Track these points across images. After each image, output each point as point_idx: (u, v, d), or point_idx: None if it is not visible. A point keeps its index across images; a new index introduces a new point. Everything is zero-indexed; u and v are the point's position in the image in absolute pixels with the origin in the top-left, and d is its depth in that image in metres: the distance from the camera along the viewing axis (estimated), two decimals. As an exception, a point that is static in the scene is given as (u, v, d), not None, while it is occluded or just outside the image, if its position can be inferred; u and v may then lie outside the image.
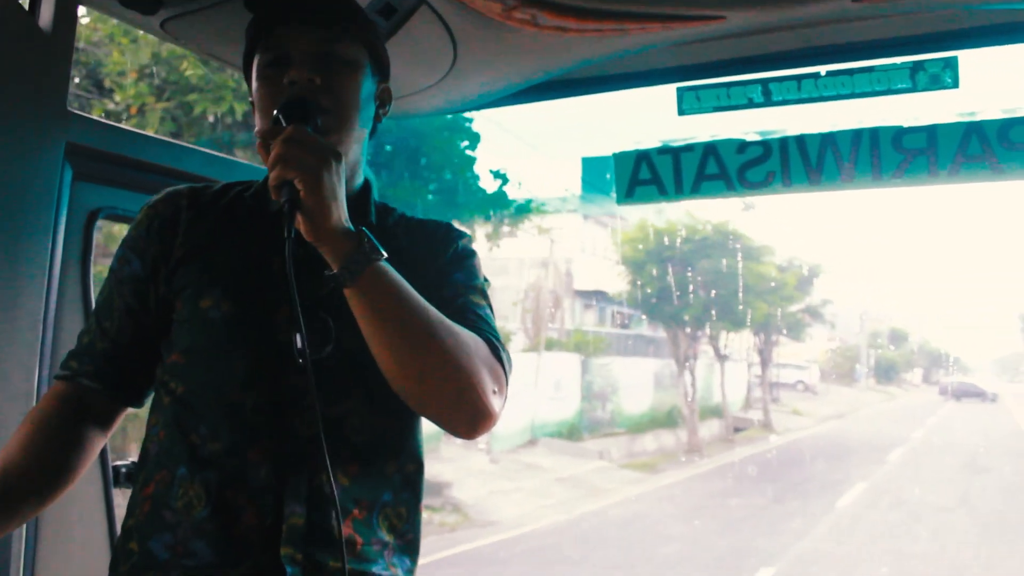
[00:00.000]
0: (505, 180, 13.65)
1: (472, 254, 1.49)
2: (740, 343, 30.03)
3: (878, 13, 1.69)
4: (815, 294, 29.64)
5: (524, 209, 15.05)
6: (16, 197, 1.72)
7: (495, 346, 1.34)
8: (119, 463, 1.97)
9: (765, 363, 29.34)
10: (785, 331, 29.19)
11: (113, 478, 1.93)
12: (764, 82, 1.88)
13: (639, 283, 23.68)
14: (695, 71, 1.92)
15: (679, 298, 23.31)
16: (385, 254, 1.24)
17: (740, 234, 24.42)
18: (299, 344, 1.24)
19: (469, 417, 1.29)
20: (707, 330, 24.76)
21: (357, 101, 1.39)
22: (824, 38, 1.82)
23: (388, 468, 1.37)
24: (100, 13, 1.90)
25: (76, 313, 1.88)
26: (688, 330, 24.08)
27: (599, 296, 28.77)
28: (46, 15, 1.80)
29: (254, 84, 1.40)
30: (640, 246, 23.56)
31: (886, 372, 50.35)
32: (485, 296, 1.44)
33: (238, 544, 1.28)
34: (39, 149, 1.76)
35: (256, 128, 1.38)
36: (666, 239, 23.36)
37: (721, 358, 25.62)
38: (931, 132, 1.79)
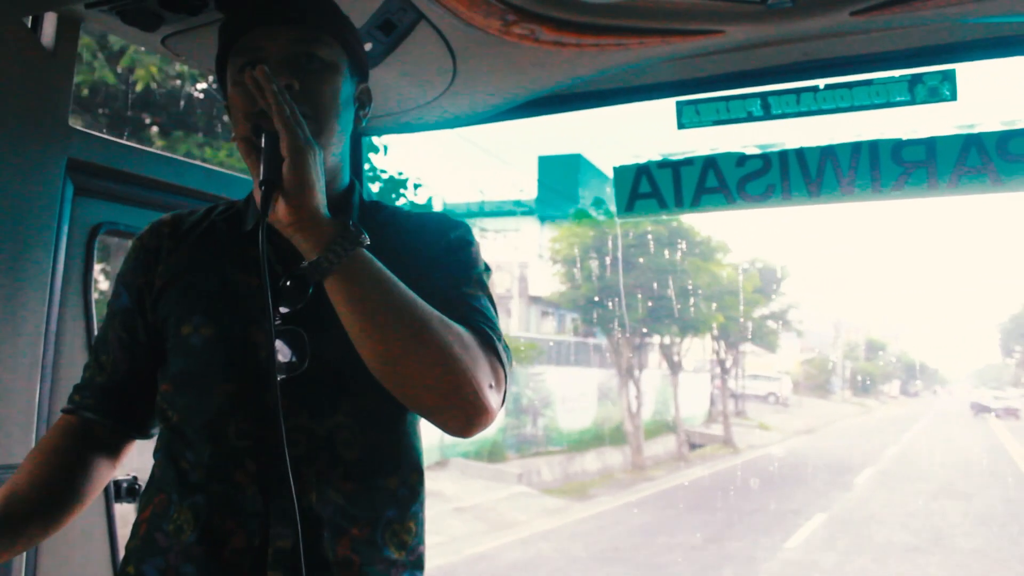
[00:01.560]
0: (402, 184, 11.61)
1: (468, 243, 1.42)
2: (702, 352, 28.34)
3: (876, 27, 1.70)
4: (781, 299, 28.30)
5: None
6: (18, 213, 1.73)
7: (491, 338, 1.28)
8: (120, 478, 1.97)
9: (726, 373, 27.41)
10: (749, 338, 27.64)
11: (115, 492, 1.93)
12: (763, 95, 1.89)
13: (575, 284, 21.31)
14: (694, 85, 1.93)
15: (620, 301, 20.73)
16: (368, 241, 1.19)
17: (691, 230, 21.72)
18: (286, 365, 1.25)
19: (465, 414, 1.22)
20: (658, 337, 22.78)
21: (336, 104, 1.34)
22: (823, 52, 1.82)
23: (390, 482, 1.33)
24: (102, 30, 1.91)
25: (78, 328, 1.88)
26: (632, 336, 21.59)
27: (549, 302, 26.33)
28: (48, 32, 1.81)
29: (229, 88, 1.35)
30: (574, 242, 20.89)
31: (863, 384, 49.60)
32: (483, 286, 1.38)
33: (226, 568, 1.26)
34: (41, 165, 1.77)
35: (232, 134, 1.33)
36: (605, 233, 20.56)
37: (674, 367, 23.39)
38: (930, 144, 1.80)
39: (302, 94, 1.28)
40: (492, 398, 1.24)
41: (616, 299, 20.79)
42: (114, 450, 1.46)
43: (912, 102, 1.79)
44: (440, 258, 1.38)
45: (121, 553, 1.91)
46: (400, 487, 1.35)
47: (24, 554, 1.72)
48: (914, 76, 1.78)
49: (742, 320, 24.58)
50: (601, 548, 12.74)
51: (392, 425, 1.34)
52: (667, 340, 23.12)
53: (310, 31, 1.33)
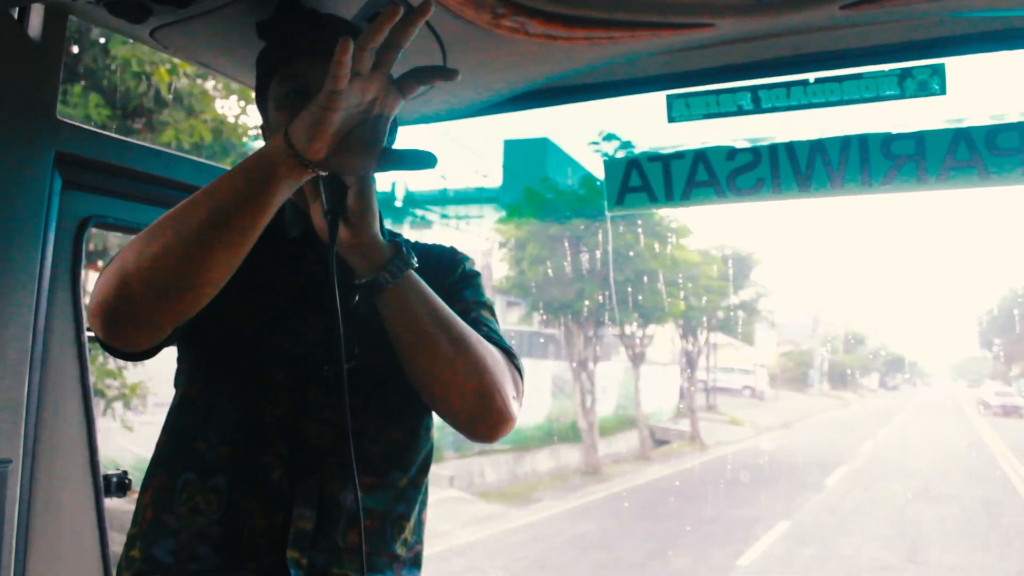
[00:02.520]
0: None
1: (477, 274, 1.56)
2: (669, 343, 27.18)
3: (866, 21, 1.70)
4: (750, 288, 26.98)
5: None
6: (5, 206, 1.72)
7: (512, 354, 1.41)
8: (110, 472, 1.97)
9: (692, 365, 25.96)
10: (716, 328, 26.46)
11: (104, 487, 1.93)
12: (754, 89, 1.89)
13: (521, 269, 19.94)
14: (685, 78, 1.93)
15: (570, 285, 19.26)
16: (417, 263, 1.30)
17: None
18: (329, 362, 1.32)
19: (493, 420, 1.33)
20: (615, 326, 21.09)
21: None
22: (813, 45, 1.82)
23: (400, 480, 1.40)
24: (88, 22, 1.90)
25: (67, 321, 1.87)
26: (584, 326, 19.98)
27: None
28: (35, 24, 1.80)
29: (272, 114, 1.42)
30: (521, 224, 19.78)
31: (841, 377, 49.21)
32: (492, 312, 1.51)
33: (244, 547, 1.30)
34: (28, 158, 1.76)
35: None
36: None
37: (635, 359, 21.78)
38: (919, 139, 1.80)
39: None
40: (515, 407, 1.36)
41: (567, 286, 19.49)
42: None
43: (902, 96, 1.79)
44: (457, 285, 1.51)
45: (112, 547, 1.92)
46: (409, 486, 1.42)
47: (13, 549, 1.72)
48: (904, 70, 1.78)
49: (708, 309, 23.86)
50: (524, 566, 11.26)
51: (412, 425, 1.43)
52: (627, 330, 21.51)
53: None
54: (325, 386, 1.35)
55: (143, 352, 1.33)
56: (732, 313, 26.78)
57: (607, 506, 15.39)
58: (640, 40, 1.72)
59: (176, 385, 1.45)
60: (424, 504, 1.47)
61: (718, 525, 13.66)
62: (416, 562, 1.45)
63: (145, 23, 1.72)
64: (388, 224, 1.51)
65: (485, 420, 1.33)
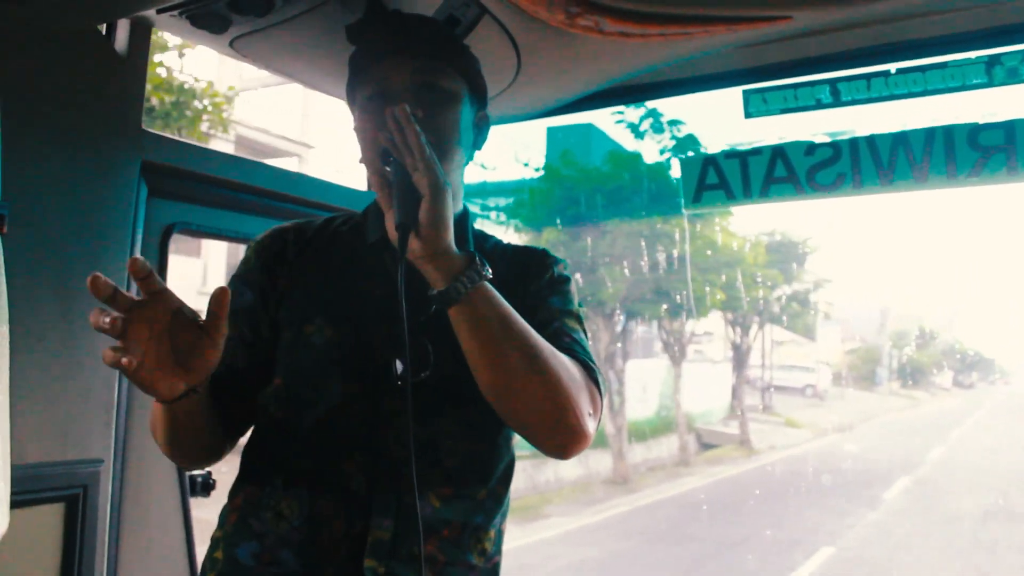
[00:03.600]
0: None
1: (567, 280, 1.50)
2: (723, 339, 24.75)
3: (951, 7, 1.65)
4: (805, 278, 24.47)
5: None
6: (96, 214, 1.78)
7: (591, 369, 1.36)
8: (196, 473, 2.02)
9: (742, 363, 23.63)
10: (768, 321, 24.30)
11: (190, 487, 1.98)
12: (832, 82, 1.85)
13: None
14: (761, 73, 1.90)
15: (588, 270, 17.33)
16: (491, 274, 1.26)
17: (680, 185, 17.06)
18: (399, 368, 1.31)
19: (566, 437, 1.29)
20: (646, 318, 19.22)
21: (457, 132, 1.41)
22: (894, 35, 1.77)
23: (479, 491, 1.39)
24: (172, 34, 1.96)
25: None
26: (611, 318, 17.84)
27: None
28: (122, 38, 1.86)
29: (357, 115, 1.43)
30: (539, 203, 16.96)
31: (912, 375, 45.44)
32: (580, 321, 1.46)
33: (324, 553, 1.31)
34: (116, 168, 1.82)
35: (360, 157, 1.41)
36: (575, 192, 16.27)
37: (675, 356, 20.12)
38: (1009, 128, 1.74)
39: (426, 122, 1.33)
40: (590, 425, 1.31)
41: (588, 272, 17.43)
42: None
43: (990, 84, 1.73)
44: (543, 291, 1.46)
45: (198, 548, 1.97)
46: (488, 497, 1.40)
47: (105, 545, 1.77)
48: (991, 57, 1.72)
49: (754, 301, 21.25)
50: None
51: (490, 438, 1.41)
52: (666, 323, 19.62)
53: (433, 62, 1.41)
54: (401, 395, 1.33)
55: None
56: (785, 305, 24.65)
57: (624, 524, 13.09)
58: (715, 35, 1.69)
59: (260, 404, 1.44)
60: (504, 515, 1.45)
61: (748, 550, 11.31)
62: (494, 572, 1.43)
63: (225, 33, 1.77)
64: (480, 224, 1.52)
65: (558, 436, 1.30)
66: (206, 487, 2.02)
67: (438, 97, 1.39)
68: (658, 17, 1.65)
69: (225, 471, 1.72)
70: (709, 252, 18.68)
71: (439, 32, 1.47)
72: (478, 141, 1.52)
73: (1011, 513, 14.06)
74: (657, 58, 1.80)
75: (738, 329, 22.96)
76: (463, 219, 1.50)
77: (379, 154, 1.27)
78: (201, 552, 1.82)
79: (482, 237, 1.54)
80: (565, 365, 1.29)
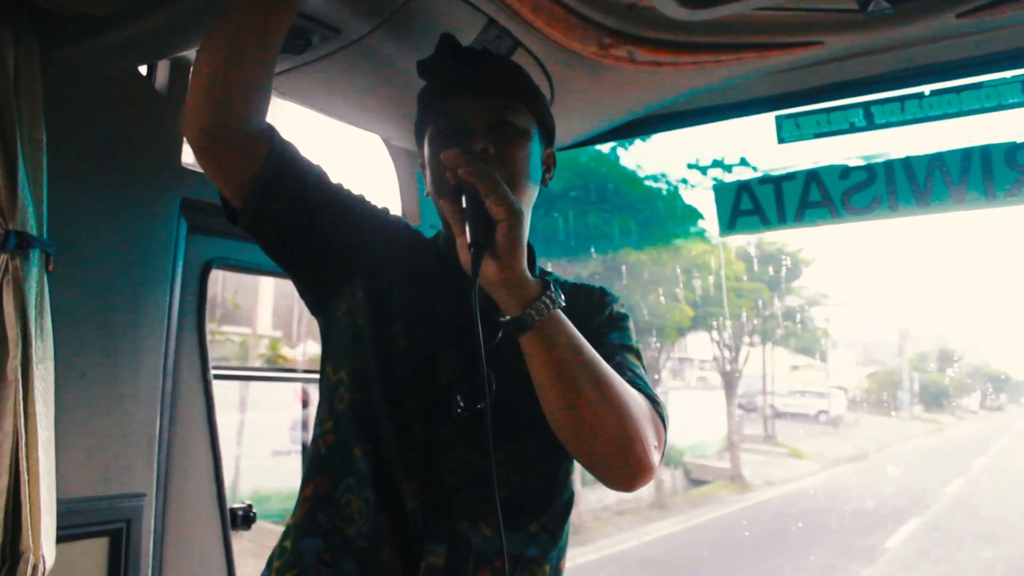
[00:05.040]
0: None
1: (626, 317, 1.52)
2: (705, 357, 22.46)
3: (984, 28, 1.64)
4: (803, 293, 22.60)
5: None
6: (136, 251, 1.81)
7: (656, 402, 1.36)
8: (236, 506, 2.02)
9: (731, 388, 21.61)
10: (761, 343, 22.18)
11: (232, 520, 1.98)
12: (866, 105, 1.85)
13: None
14: (794, 98, 1.90)
15: None
16: (564, 302, 1.25)
17: (633, 181, 15.59)
18: (460, 400, 1.31)
19: (632, 470, 1.28)
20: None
21: (527, 168, 1.42)
22: (927, 57, 1.77)
23: (530, 524, 1.38)
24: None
25: (194, 359, 1.94)
26: None
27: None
28: (162, 78, 1.90)
29: (427, 150, 1.45)
30: None
31: (935, 398, 42.81)
32: (639, 357, 1.46)
33: (382, 568, 1.31)
34: (157, 204, 1.85)
35: (427, 190, 1.45)
36: None
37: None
38: (1048, 147, 1.72)
39: (498, 159, 1.38)
40: (655, 457, 1.30)
41: None
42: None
43: (1026, 104, 1.72)
44: (603, 327, 1.47)
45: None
46: (541, 531, 1.39)
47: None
48: (1027, 77, 1.72)
49: (740, 318, 19.59)
50: None
51: (545, 472, 1.40)
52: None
53: (504, 99, 1.43)
54: (458, 423, 1.34)
55: (250, 207, 1.39)
56: (778, 324, 22.70)
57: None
58: (747, 62, 1.70)
59: (336, 383, 1.44)
60: (561, 552, 1.43)
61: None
62: None
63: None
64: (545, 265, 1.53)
65: (624, 468, 1.28)
66: (247, 520, 2.02)
67: (510, 134, 1.41)
68: (690, 46, 1.67)
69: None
70: (674, 263, 17.52)
71: (512, 71, 1.49)
72: (546, 177, 1.54)
73: None
74: (689, 86, 1.81)
75: (727, 351, 21.43)
76: (530, 255, 1.51)
77: (451, 187, 1.27)
78: (242, 586, 1.83)
79: (543, 274, 1.54)
80: (634, 397, 1.29)
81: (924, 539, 13.70)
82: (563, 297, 1.25)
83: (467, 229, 1.23)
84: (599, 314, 1.49)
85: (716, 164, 14.28)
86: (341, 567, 1.32)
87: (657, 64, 1.69)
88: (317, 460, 1.42)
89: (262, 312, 17.59)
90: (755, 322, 21.29)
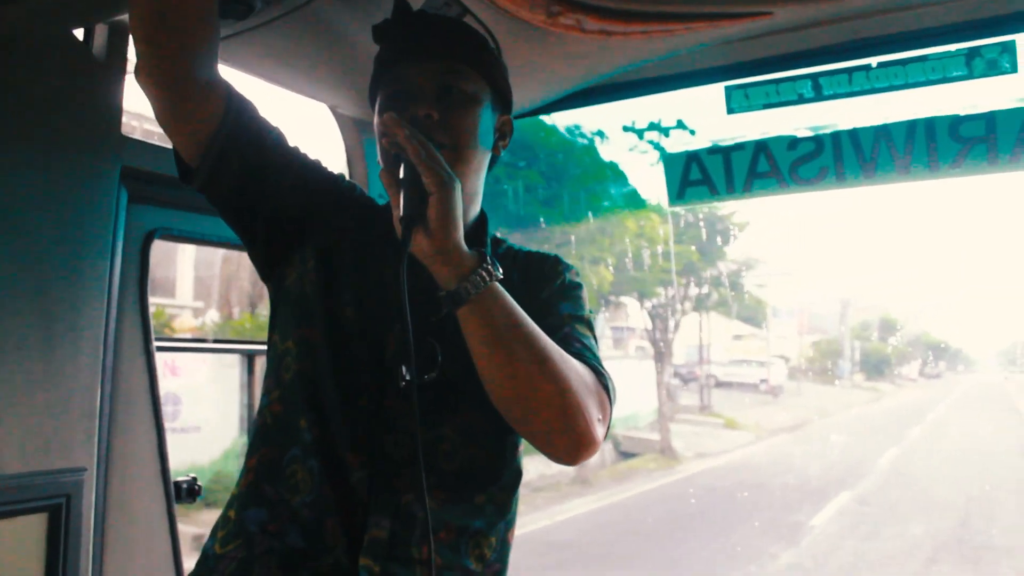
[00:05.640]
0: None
1: (579, 286, 1.49)
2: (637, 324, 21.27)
3: (931, 1, 1.66)
4: (731, 258, 21.36)
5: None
6: (75, 221, 1.76)
7: (601, 374, 1.34)
8: (181, 479, 2.00)
9: (661, 358, 20.62)
10: (699, 310, 21.31)
11: (176, 493, 1.96)
12: (814, 77, 1.86)
13: None
14: (743, 69, 1.90)
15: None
16: (502, 275, 1.24)
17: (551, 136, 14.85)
18: (405, 373, 1.29)
19: (573, 443, 1.27)
20: None
21: (475, 134, 1.40)
22: (874, 29, 1.78)
23: (476, 496, 1.38)
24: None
25: (135, 332, 1.91)
26: None
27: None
28: (99, 44, 1.84)
29: (375, 118, 1.43)
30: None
31: (876, 366, 43.57)
32: (591, 327, 1.44)
33: (326, 540, 1.30)
34: (96, 173, 1.80)
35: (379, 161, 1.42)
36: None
37: None
38: (990, 119, 1.75)
39: (442, 124, 1.35)
40: (599, 431, 1.29)
41: None
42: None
43: (970, 76, 1.74)
44: (555, 296, 1.45)
45: (184, 551, 1.95)
46: (488, 503, 1.39)
47: (89, 555, 1.75)
48: (971, 50, 1.73)
49: (654, 283, 18.38)
50: None
51: (492, 445, 1.40)
52: None
53: (452, 64, 1.40)
54: (404, 397, 1.33)
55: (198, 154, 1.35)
56: (710, 290, 21.67)
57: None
58: (697, 32, 1.70)
59: (282, 352, 1.41)
60: (509, 524, 1.43)
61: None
62: None
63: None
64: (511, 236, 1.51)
65: (566, 442, 1.27)
66: (192, 493, 2.00)
67: (458, 99, 1.39)
68: (639, 15, 1.66)
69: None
70: (592, 223, 16.66)
71: (463, 34, 1.46)
72: (500, 144, 1.51)
73: (969, 541, 11.07)
74: (639, 55, 1.80)
75: (656, 320, 20.56)
76: (481, 223, 1.49)
77: (391, 155, 1.26)
78: (187, 559, 1.81)
79: (495, 243, 1.53)
80: (576, 369, 1.28)
81: (853, 514, 13.10)
82: (501, 269, 1.24)
83: (402, 202, 1.21)
84: (551, 283, 1.47)
85: (653, 127, 14.08)
86: (285, 537, 1.31)
87: (606, 33, 1.67)
88: (263, 430, 1.40)
89: (182, 283, 17.35)
90: (685, 288, 20.75)
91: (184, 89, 1.32)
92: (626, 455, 19.06)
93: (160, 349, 1.96)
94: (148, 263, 1.94)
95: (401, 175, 1.23)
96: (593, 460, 15.75)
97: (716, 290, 22.26)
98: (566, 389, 1.24)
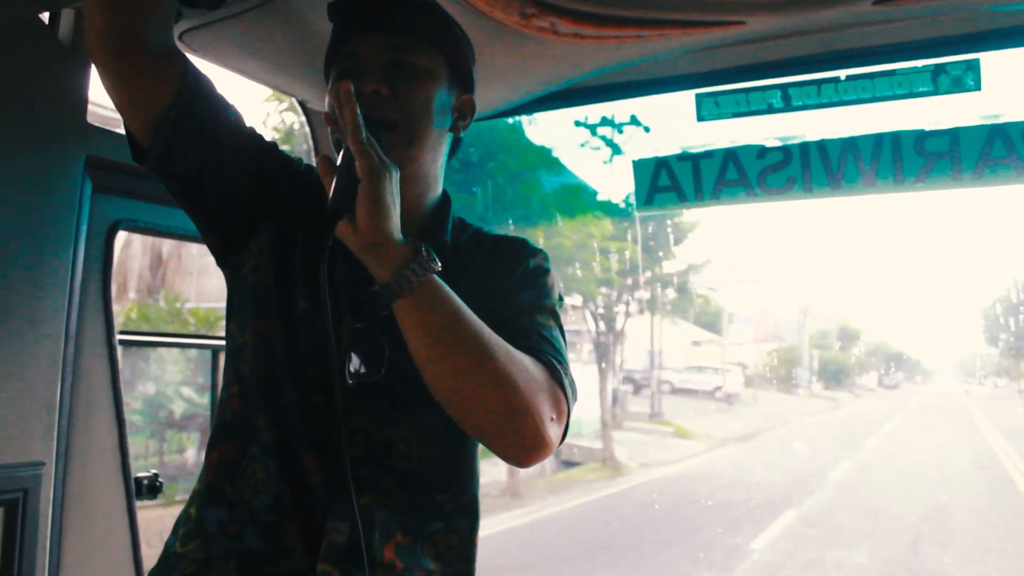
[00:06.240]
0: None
1: (545, 272, 1.43)
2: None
3: (899, 16, 1.68)
4: (682, 257, 20.58)
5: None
6: (37, 211, 1.73)
7: (556, 370, 1.28)
8: (141, 475, 1.98)
9: (605, 360, 19.38)
10: (633, 313, 19.95)
11: (136, 489, 1.94)
12: (784, 87, 1.87)
13: None
14: (714, 77, 1.92)
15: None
16: (439, 267, 1.18)
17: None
18: (351, 369, 1.27)
19: (522, 444, 1.22)
20: None
21: (428, 112, 1.34)
22: (844, 42, 1.80)
23: (438, 497, 1.35)
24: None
25: (98, 324, 1.88)
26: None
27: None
28: (65, 29, 1.81)
29: (327, 97, 1.38)
30: None
31: (835, 376, 44.26)
32: (555, 316, 1.38)
33: (284, 542, 1.28)
34: (59, 163, 1.77)
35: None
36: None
37: None
38: (954, 135, 1.78)
39: (392, 101, 1.30)
40: (551, 430, 1.23)
41: None
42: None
43: (935, 92, 1.77)
44: (518, 283, 1.39)
45: (144, 550, 1.93)
46: (448, 502, 1.36)
47: (47, 551, 1.73)
48: (937, 66, 1.76)
49: (610, 283, 17.71)
50: None
51: (450, 445, 1.36)
52: None
53: (407, 38, 1.34)
54: (358, 394, 1.29)
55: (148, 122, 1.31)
56: (658, 293, 20.93)
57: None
58: (670, 38, 1.70)
59: (239, 347, 1.38)
60: (472, 523, 1.39)
61: None
62: None
63: (175, 27, 1.72)
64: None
65: (515, 444, 1.23)
66: (152, 489, 1.98)
67: (410, 75, 1.33)
68: (613, 19, 1.66)
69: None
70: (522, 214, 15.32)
71: (418, 6, 1.39)
72: (459, 124, 1.45)
73: (919, 568, 10.22)
74: (611, 60, 1.81)
75: (600, 322, 19.48)
76: (442, 206, 1.44)
77: (335, 140, 1.23)
78: (147, 554, 1.79)
79: (461, 226, 1.47)
80: (523, 366, 1.22)
81: (796, 537, 11.94)
82: (438, 262, 1.18)
83: (331, 191, 1.16)
84: (515, 269, 1.41)
85: (606, 122, 13.84)
86: (243, 539, 1.28)
87: (580, 36, 1.68)
88: (223, 426, 1.37)
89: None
90: (631, 290, 19.78)
91: (138, 59, 1.27)
92: (568, 464, 18.29)
93: (123, 343, 1.93)
94: (112, 255, 1.91)
95: (339, 161, 1.18)
96: (531, 469, 15.44)
97: (663, 292, 21.67)
98: (511, 388, 1.18)
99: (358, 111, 1.16)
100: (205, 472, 1.36)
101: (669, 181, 1.98)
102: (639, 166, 2.01)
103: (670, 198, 1.98)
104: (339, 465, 1.27)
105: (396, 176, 1.19)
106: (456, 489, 1.38)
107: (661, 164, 1.98)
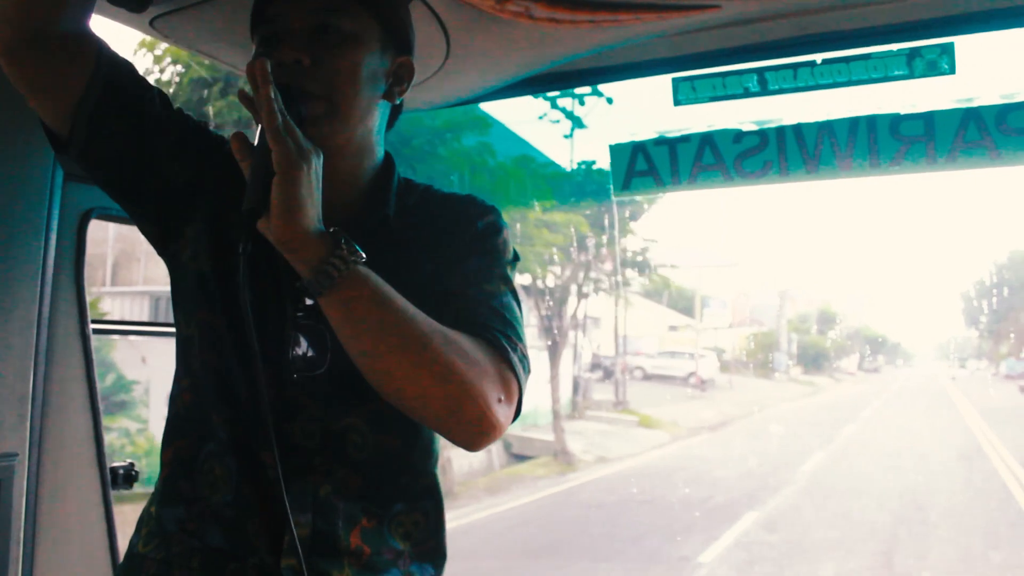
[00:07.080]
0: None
1: (495, 232, 1.36)
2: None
3: (874, 0, 1.68)
4: (641, 233, 19.29)
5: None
6: (8, 199, 1.71)
7: (503, 348, 1.22)
8: (117, 464, 1.96)
9: (555, 344, 17.93)
10: (588, 293, 18.55)
11: (112, 479, 1.92)
12: (760, 71, 1.87)
13: None
14: (690, 61, 1.91)
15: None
16: (363, 258, 1.13)
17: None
18: (300, 350, 1.24)
19: (469, 429, 1.18)
20: None
21: (357, 80, 1.26)
22: (820, 26, 1.80)
23: (397, 480, 1.34)
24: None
25: (71, 314, 1.86)
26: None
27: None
28: (34, 14, 1.78)
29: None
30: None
31: (815, 360, 43.44)
32: (507, 281, 1.32)
33: (248, 538, 1.26)
34: (30, 150, 1.74)
35: None
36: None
37: None
38: (928, 119, 1.78)
39: (314, 70, 1.22)
40: (500, 412, 1.19)
41: None
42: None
43: (910, 76, 1.77)
44: (467, 247, 1.33)
45: (120, 540, 1.92)
46: (411, 482, 1.35)
47: (20, 542, 1.72)
48: (912, 50, 1.76)
49: (552, 258, 16.21)
50: None
51: (405, 431, 1.33)
52: None
53: (332, 2, 1.25)
54: (305, 384, 1.27)
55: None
56: (613, 270, 19.36)
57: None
58: (645, 22, 1.69)
59: (188, 339, 1.34)
60: (436, 500, 1.39)
61: None
62: (428, 556, 1.37)
63: (145, 12, 1.70)
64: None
65: (458, 429, 1.19)
66: (128, 479, 1.97)
67: (333, 40, 1.24)
68: (588, 3, 1.65)
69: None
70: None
71: None
72: (395, 91, 1.36)
73: (899, 567, 9.23)
74: (587, 45, 1.79)
75: (548, 301, 18.03)
76: (383, 173, 1.38)
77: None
78: (123, 547, 1.78)
79: (407, 189, 1.40)
80: (462, 349, 1.17)
81: (753, 546, 10.52)
82: (362, 255, 1.13)
83: (247, 186, 1.11)
84: (465, 232, 1.34)
85: (566, 94, 13.30)
86: (205, 537, 1.27)
87: (555, 21, 1.66)
88: (176, 421, 1.34)
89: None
90: (580, 268, 18.20)
91: (49, 41, 1.21)
92: (518, 458, 17.00)
93: (97, 332, 1.92)
94: (85, 243, 1.89)
95: (255, 145, 1.11)
96: (476, 464, 15.12)
97: (623, 271, 20.45)
98: (452, 376, 1.14)
99: (273, 92, 1.10)
100: (162, 470, 1.34)
101: (646, 165, 1.97)
102: (616, 151, 2.00)
103: (647, 182, 1.98)
104: (296, 457, 1.25)
105: (319, 162, 1.14)
106: (414, 472, 1.36)
107: (638, 148, 1.98)
